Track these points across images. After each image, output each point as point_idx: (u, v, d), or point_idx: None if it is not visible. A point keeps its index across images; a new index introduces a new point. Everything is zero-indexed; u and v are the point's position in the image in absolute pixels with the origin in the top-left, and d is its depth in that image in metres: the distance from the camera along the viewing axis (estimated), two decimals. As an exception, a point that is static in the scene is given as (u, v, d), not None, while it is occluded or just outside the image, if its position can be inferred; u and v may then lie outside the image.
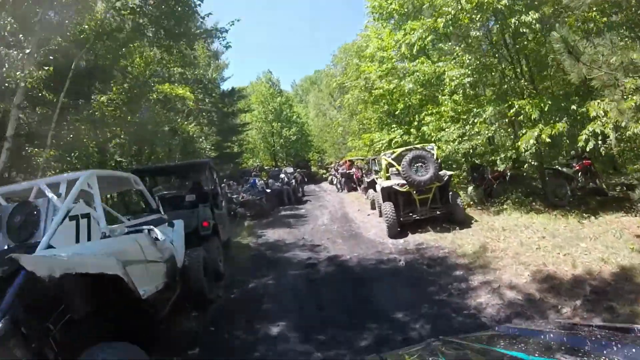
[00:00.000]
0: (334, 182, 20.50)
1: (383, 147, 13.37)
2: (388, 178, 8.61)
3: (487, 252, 6.43)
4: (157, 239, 3.96)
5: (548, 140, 7.57)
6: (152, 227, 4.14)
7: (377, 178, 11.58)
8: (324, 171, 29.57)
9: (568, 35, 5.23)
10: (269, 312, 4.75)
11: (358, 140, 18.05)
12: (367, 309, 4.53)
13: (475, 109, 9.37)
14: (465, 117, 9.47)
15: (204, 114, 17.36)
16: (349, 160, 19.94)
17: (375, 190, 11.94)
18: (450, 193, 8.38)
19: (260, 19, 77.59)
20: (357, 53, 16.69)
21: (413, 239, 7.62)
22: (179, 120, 13.69)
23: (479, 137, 9.13)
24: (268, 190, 14.30)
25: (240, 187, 14.75)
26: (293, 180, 16.53)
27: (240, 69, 67.90)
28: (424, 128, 10.45)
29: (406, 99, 12.71)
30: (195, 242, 5.81)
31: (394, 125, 13.71)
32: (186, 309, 4.87)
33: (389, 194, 8.33)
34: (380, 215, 10.11)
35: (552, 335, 0.98)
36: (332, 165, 21.63)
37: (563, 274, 5.32)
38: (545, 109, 7.96)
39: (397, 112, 12.99)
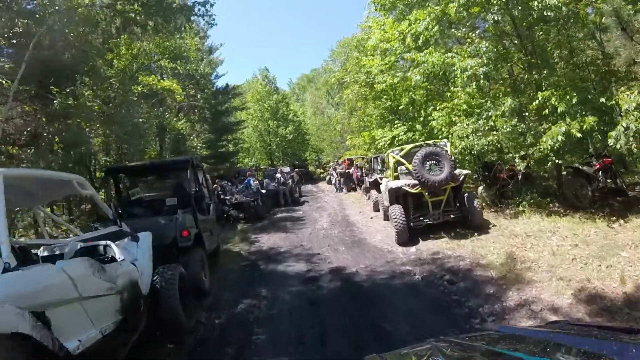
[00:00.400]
0: (333, 182, 19.54)
1: (386, 145, 12.46)
2: (396, 178, 7.66)
3: (516, 264, 5.51)
4: (107, 261, 2.97)
5: (579, 135, 6.68)
6: (107, 243, 3.15)
7: (382, 178, 10.65)
8: (322, 171, 28.61)
9: (621, 8, 4.32)
10: (260, 345, 3.78)
11: (358, 138, 17.11)
12: (383, 343, 3.58)
13: (489, 102, 8.48)
14: (479, 110, 8.56)
15: (195, 110, 16.34)
16: (348, 159, 18.99)
17: (378, 191, 11.00)
18: (466, 194, 7.45)
19: (257, 17, 76.54)
20: (357, 46, 15.75)
21: (426, 247, 6.68)
22: (168, 116, 12.68)
23: (494, 132, 8.25)
24: (263, 191, 13.31)
25: (235, 187, 13.76)
26: (290, 180, 15.55)
27: (235, 68, 66.75)
28: (433, 123, 9.51)
29: (410, 93, 11.78)
30: (174, 256, 4.84)
31: (397, 122, 12.77)
32: (159, 342, 3.88)
33: (397, 195, 7.40)
34: (386, 219, 9.19)
35: (552, 335, 1.00)
36: (330, 164, 20.67)
37: (612, 293, 4.41)
38: (573, 102, 7.09)
39: (400, 108, 12.07)
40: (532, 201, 8.37)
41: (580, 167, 8.40)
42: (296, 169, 17.87)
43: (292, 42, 77.37)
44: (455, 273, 5.39)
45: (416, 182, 6.90)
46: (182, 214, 4.93)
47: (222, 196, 13.15)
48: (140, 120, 12.31)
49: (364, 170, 17.11)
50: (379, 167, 11.66)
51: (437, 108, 10.13)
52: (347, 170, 18.02)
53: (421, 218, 7.26)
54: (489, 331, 1.44)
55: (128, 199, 6.56)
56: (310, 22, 75.64)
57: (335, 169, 19.73)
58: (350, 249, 7.21)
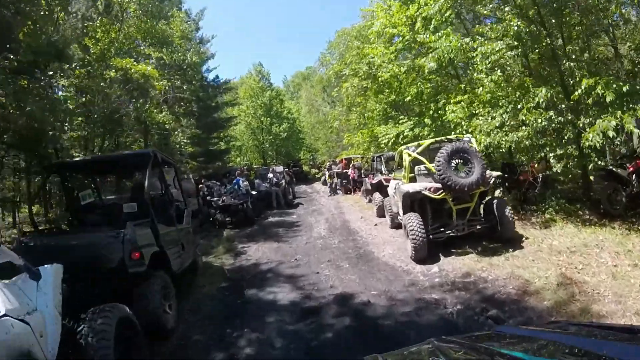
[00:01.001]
0: (328, 183, 18.19)
1: (390, 143, 11.15)
2: (412, 180, 6.33)
3: (574, 291, 4.24)
4: None
5: (638, 130, 5.46)
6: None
7: (387, 179, 9.36)
8: (317, 171, 27.25)
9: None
10: None
11: (356, 136, 15.80)
12: None
13: (517, 93, 7.23)
14: (504, 102, 7.30)
15: (182, 103, 14.82)
16: (346, 159, 17.67)
17: (383, 194, 9.70)
18: (495, 201, 6.15)
19: (251, 14, 74.88)
20: (357, 36, 14.44)
21: (451, 266, 5.36)
22: (148, 106, 11.18)
23: (523, 127, 7.01)
24: (254, 193, 11.91)
25: (223, 188, 12.35)
26: (283, 181, 14.15)
27: (228, 64, 65.16)
28: (451, 116, 8.21)
29: (419, 84, 10.49)
30: (122, 286, 3.46)
31: (402, 117, 11.47)
32: None
33: (413, 201, 6.08)
34: (395, 227, 7.89)
35: (552, 335, 0.97)
36: (327, 164, 19.32)
37: None
38: (623, 90, 5.88)
39: (407, 100, 10.78)
40: (557, 207, 7.20)
41: (614, 169, 7.19)
42: (289, 169, 16.47)
43: (288, 41, 75.93)
44: (500, 304, 4.08)
45: (438, 185, 5.59)
46: (134, 227, 3.52)
47: (208, 197, 11.74)
48: (121, 112, 10.87)
49: (362, 171, 15.82)
50: (383, 167, 10.35)
51: (452, 101, 8.86)
52: (344, 171, 16.70)
53: (442, 229, 5.95)
54: (489, 331, 1.26)
55: (79, 204, 5.13)
56: (306, 20, 74.30)
57: (331, 169, 18.39)
58: (355, 266, 5.85)
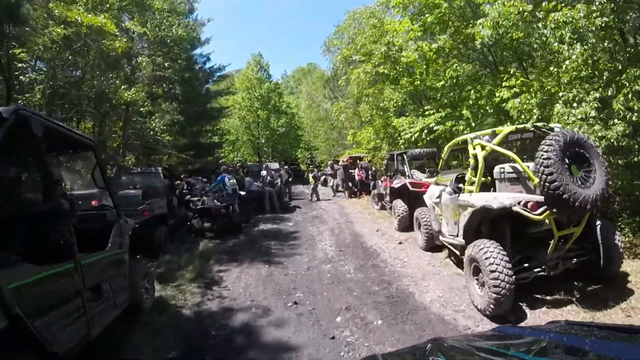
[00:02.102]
0: (330, 184, 15.91)
1: (413, 138, 8.95)
2: (491, 186, 4.11)
3: None
4: None
5: None
6: None
7: (421, 184, 7.20)
8: (315, 170, 24.96)
9: None
10: None
11: (364, 132, 13.56)
12: None
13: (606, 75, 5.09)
14: (585, 87, 5.15)
15: (163, 84, 12.44)
16: (351, 158, 15.41)
17: (406, 201, 7.50)
18: (599, 224, 3.95)
19: (252, 8, 72.43)
20: (370, 17, 12.19)
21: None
22: (112, 81, 8.88)
23: (617, 121, 4.87)
24: (242, 193, 9.60)
25: (208, 185, 10.08)
26: (278, 180, 11.85)
27: (227, 58, 62.88)
28: (514, 102, 6.01)
29: (455, 66, 8.28)
30: None
31: (429, 107, 9.25)
32: None
33: (483, 220, 3.86)
34: (430, 248, 5.71)
35: (552, 335, 0.95)
36: (329, 162, 16.97)
37: None
38: None
39: (437, 87, 8.55)
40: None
41: None
42: (286, 166, 14.15)
43: (290, 37, 73.59)
44: None
45: (538, 197, 3.37)
46: None
47: (188, 197, 9.41)
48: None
49: (371, 172, 13.59)
50: (406, 167, 8.11)
51: (504, 84, 6.67)
52: (351, 171, 14.43)
53: (527, 265, 3.75)
54: (488, 331, 1.15)
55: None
56: (307, 18, 72.08)
57: (332, 168, 16.09)
58: (393, 324, 3.60)
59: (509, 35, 6.70)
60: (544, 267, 3.76)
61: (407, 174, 7.95)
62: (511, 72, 7.09)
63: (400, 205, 7.51)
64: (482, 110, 7.98)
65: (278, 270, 5.44)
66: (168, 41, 12.37)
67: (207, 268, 5.77)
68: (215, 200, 8.51)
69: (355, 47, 12.75)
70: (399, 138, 10.20)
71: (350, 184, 14.20)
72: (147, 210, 6.81)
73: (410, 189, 7.35)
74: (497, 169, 3.96)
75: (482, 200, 3.74)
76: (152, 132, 10.34)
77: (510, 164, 3.91)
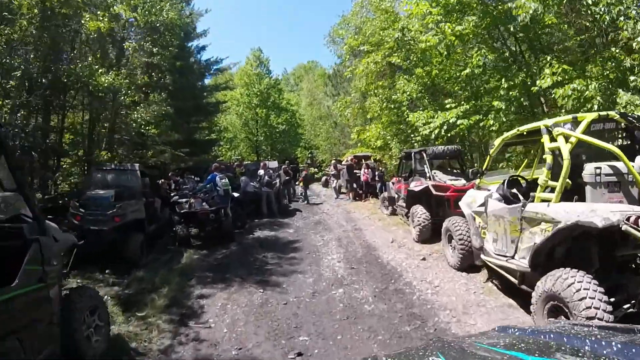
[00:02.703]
0: (333, 185, 14.72)
1: (434, 134, 7.80)
2: (573, 193, 2.93)
3: None
4: None
5: None
6: None
7: (447, 187, 6.06)
8: (315, 170, 23.78)
9: None
10: None
11: (370, 129, 12.40)
12: None
13: None
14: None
15: (151, 72, 11.22)
16: (355, 157, 14.23)
17: (428, 207, 6.34)
18: None
19: (253, 7, 71.29)
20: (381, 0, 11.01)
21: None
22: (90, 63, 7.70)
23: None
24: (236, 195, 8.41)
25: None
26: (277, 181, 10.65)
27: (226, 54, 61.92)
28: (567, 88, 4.85)
29: (483, 50, 7.13)
30: None
31: (450, 100, 8.09)
32: None
33: (563, 239, 2.72)
34: (464, 268, 4.56)
35: (552, 335, 0.94)
36: (332, 162, 15.79)
37: None
38: None
39: (465, 74, 7.37)
40: None
41: None
42: (285, 166, 12.96)
43: (289, 36, 72.39)
44: None
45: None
46: None
47: (173, 197, 8.24)
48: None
49: (378, 173, 12.41)
50: (427, 167, 6.93)
51: (551, 70, 5.50)
52: (355, 172, 13.23)
53: (613, 299, 2.61)
54: (489, 331, 1.11)
55: None
56: (309, 15, 70.96)
57: (335, 167, 14.85)
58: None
59: (552, 13, 5.55)
60: (633, 301, 2.63)
61: (427, 175, 6.76)
62: (548, 59, 5.96)
63: (421, 212, 6.33)
64: (514, 102, 6.83)
65: (275, 296, 4.25)
66: (158, 25, 11.16)
67: (186, 291, 4.56)
68: (203, 203, 7.32)
69: (362, 36, 11.56)
70: (413, 135, 9.03)
71: (354, 186, 13.02)
72: (119, 216, 5.61)
73: (434, 193, 6.17)
74: (590, 169, 2.78)
75: (572, 214, 2.57)
76: (134, 124, 9.10)
77: (607, 163, 2.74)
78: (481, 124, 7.01)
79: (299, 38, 73.07)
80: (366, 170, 12.58)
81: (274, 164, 11.41)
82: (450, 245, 4.96)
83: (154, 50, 10.76)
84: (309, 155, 28.85)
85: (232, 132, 25.61)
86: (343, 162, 15.32)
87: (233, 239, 7.23)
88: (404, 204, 7.53)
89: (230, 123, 25.41)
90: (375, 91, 10.76)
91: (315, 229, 8.30)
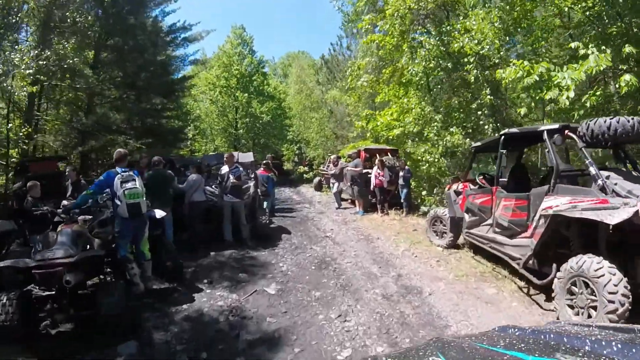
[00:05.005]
0: (333, 190, 10.33)
1: (568, 100, 3.61)
2: None
3: None
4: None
5: None
6: None
7: None
8: (305, 169, 19.46)
9: None
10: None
11: (388, 114, 8.28)
12: None
13: None
14: None
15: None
16: (366, 151, 9.98)
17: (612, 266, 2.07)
18: None
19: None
20: None
21: None
22: None
23: None
24: (161, 214, 4.07)
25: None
26: (251, 184, 6.23)
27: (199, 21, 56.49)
28: None
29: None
30: None
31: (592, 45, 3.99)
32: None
33: None
34: None
35: (552, 335, 0.92)
36: (331, 158, 11.31)
37: None
38: None
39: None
40: None
41: None
42: (266, 162, 8.40)
43: (276, 27, 67.61)
44: None
45: None
46: None
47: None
48: None
49: (403, 174, 8.26)
50: (592, 167, 2.77)
51: None
52: (363, 172, 8.98)
53: None
54: (489, 331, 1.07)
55: None
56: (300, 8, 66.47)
57: (335, 165, 10.44)
58: None
59: None
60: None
61: (599, 179, 2.65)
62: None
63: (611, 276, 2.23)
64: None
65: None
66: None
67: None
68: (68, 246, 2.99)
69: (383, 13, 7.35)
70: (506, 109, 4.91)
71: (364, 190, 8.83)
72: None
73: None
74: None
75: None
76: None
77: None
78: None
79: (287, 29, 68.40)
80: (380, 170, 8.38)
81: (247, 156, 6.93)
82: None
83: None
84: (297, 151, 24.46)
85: (207, 122, 20.97)
86: (345, 159, 11.15)
87: (137, 329, 2.92)
88: (532, 245, 3.33)
89: (204, 112, 20.78)
90: (411, 42, 6.54)
91: (322, 289, 4.03)
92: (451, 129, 6.01)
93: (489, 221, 4.45)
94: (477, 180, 4.94)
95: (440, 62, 5.90)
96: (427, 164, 7.02)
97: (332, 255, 5.20)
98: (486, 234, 4.37)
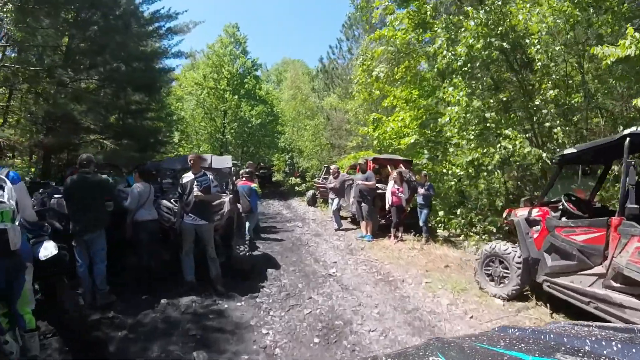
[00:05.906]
0: (333, 207, 8.48)
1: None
2: None
3: None
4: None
5: None
6: None
7: None
8: (297, 180, 17.68)
9: None
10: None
11: (407, 111, 6.63)
12: None
13: None
14: None
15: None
16: (376, 161, 8.21)
17: None
18: None
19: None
20: None
21: None
22: None
23: None
24: (45, 256, 2.26)
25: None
26: (226, 202, 4.39)
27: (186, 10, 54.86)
28: None
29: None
30: None
31: None
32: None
33: None
34: None
35: (552, 335, 0.91)
36: (332, 169, 9.42)
37: None
38: None
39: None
40: None
41: None
42: (248, 170, 6.53)
43: (272, 32, 66.78)
44: None
45: None
46: None
47: None
48: None
49: (425, 190, 6.58)
50: None
51: None
52: (374, 184, 7.22)
53: None
54: (489, 331, 1.06)
55: None
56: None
57: (335, 176, 8.63)
58: None
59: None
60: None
61: None
62: None
63: None
64: None
65: None
66: None
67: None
68: None
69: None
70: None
71: (373, 208, 7.11)
72: None
73: None
74: None
75: None
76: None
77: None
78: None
79: (282, 36, 67.65)
80: (398, 183, 6.71)
81: (224, 160, 4.97)
82: None
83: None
84: (289, 161, 22.71)
85: (192, 125, 19.11)
86: (345, 170, 9.48)
87: None
88: None
89: (189, 114, 18.94)
90: (449, 18, 4.93)
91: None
92: (506, 131, 4.37)
93: (598, 269, 2.79)
94: (564, 205, 3.28)
95: (493, 41, 4.31)
96: (475, 179, 5.29)
97: (343, 314, 3.40)
98: (590, 289, 2.73)
